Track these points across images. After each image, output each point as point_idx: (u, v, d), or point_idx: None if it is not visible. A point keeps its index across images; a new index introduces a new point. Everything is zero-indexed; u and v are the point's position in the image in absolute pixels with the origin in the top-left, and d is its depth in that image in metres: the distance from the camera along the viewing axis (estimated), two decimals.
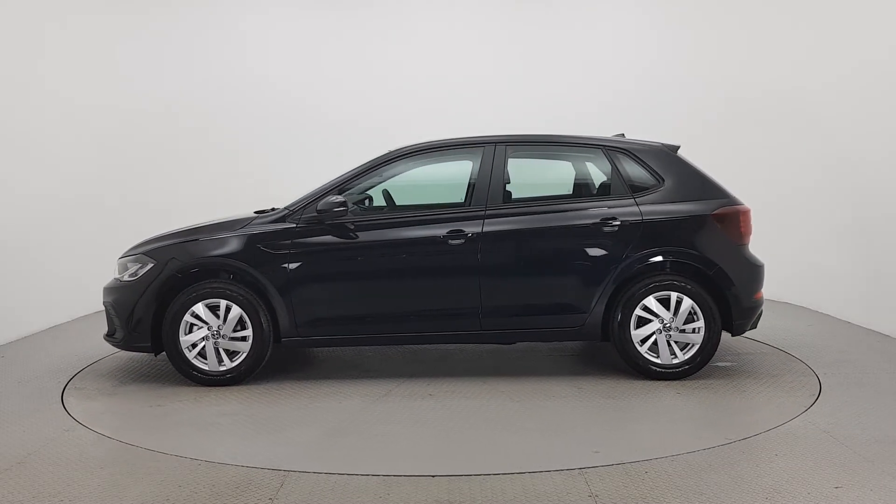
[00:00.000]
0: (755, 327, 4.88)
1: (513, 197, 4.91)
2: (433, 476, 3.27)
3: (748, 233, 4.76)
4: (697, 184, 4.77)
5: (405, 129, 6.45)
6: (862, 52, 6.13)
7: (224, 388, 4.64)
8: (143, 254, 4.78)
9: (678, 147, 4.98)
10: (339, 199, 4.62)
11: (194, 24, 7.89)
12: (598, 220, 4.65)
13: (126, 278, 4.77)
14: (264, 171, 7.86)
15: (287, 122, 8.01)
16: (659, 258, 4.65)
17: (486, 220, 4.66)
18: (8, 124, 6.05)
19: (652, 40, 8.01)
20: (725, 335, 4.92)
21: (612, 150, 4.85)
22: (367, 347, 5.62)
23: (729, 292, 4.64)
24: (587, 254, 4.67)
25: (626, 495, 3.05)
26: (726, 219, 4.68)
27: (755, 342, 5.58)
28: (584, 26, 8.19)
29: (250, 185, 7.67)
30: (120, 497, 3.09)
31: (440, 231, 4.66)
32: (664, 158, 4.83)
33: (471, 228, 4.64)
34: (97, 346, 5.77)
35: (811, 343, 5.62)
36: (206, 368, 4.65)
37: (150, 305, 4.65)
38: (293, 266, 4.61)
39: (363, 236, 4.67)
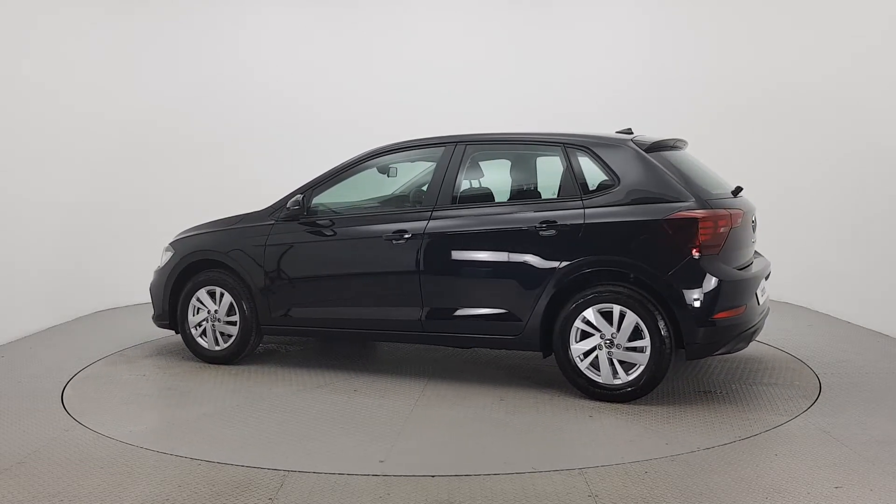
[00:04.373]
0: (731, 352, 4.32)
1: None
2: (433, 476, 3.27)
3: (716, 243, 4.14)
4: (659, 185, 4.23)
5: (405, 128, 6.43)
6: (855, 43, 6.15)
7: (221, 368, 5.20)
8: (170, 244, 5.49)
9: (672, 141, 4.64)
10: (298, 198, 4.95)
11: (198, 27, 7.87)
12: (535, 224, 4.37)
13: (161, 265, 5.47)
14: (272, 170, 7.84)
15: (292, 123, 8.01)
16: (598, 266, 4.24)
17: (430, 221, 4.63)
18: (6, 126, 6.04)
19: (654, 38, 8.01)
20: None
21: (571, 147, 4.48)
22: (361, 341, 5.81)
23: (678, 308, 4.08)
24: (523, 259, 4.38)
25: (626, 495, 3.05)
26: (680, 225, 4.11)
27: (755, 342, 5.54)
28: (587, 25, 8.20)
29: (258, 183, 7.63)
30: (120, 497, 3.09)
31: (388, 230, 4.70)
32: (626, 156, 4.35)
33: (414, 229, 4.63)
34: (97, 346, 5.79)
35: (811, 343, 5.61)
36: (206, 347, 5.25)
37: (168, 289, 5.32)
38: (267, 259, 5.01)
39: (324, 234, 4.92)
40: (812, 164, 6.85)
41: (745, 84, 7.52)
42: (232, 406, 4.33)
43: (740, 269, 4.34)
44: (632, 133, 4.73)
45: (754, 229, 4.69)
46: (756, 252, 4.93)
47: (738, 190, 4.65)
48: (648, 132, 4.84)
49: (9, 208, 6.02)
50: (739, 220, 4.32)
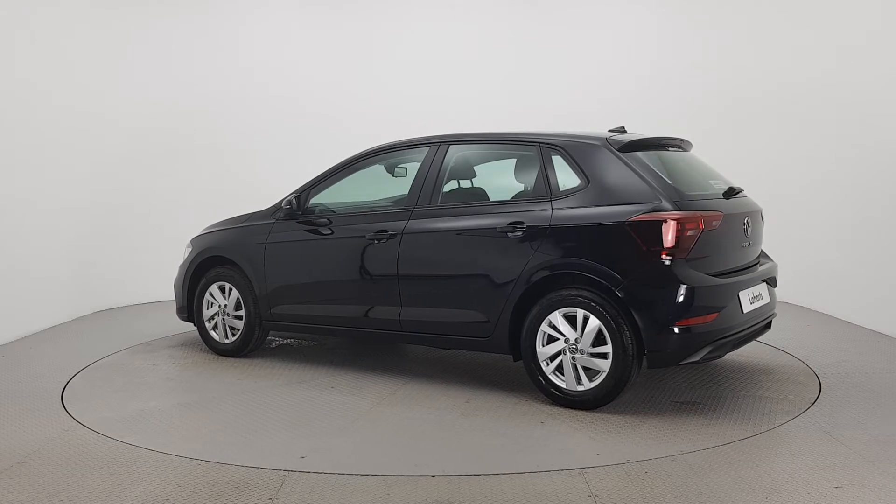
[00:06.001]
0: (702, 361, 4.06)
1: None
2: (433, 476, 3.27)
3: (685, 246, 3.89)
4: (629, 186, 4.06)
5: (405, 128, 6.44)
6: (855, 43, 6.16)
7: (227, 360, 5.40)
8: (190, 240, 5.72)
9: (659, 140, 4.49)
10: (291, 198, 5.11)
11: (199, 27, 7.87)
12: (504, 225, 4.28)
13: (182, 260, 5.68)
14: (272, 170, 7.83)
15: (292, 123, 8.01)
16: (561, 269, 4.11)
17: (409, 221, 4.64)
18: (6, 127, 6.04)
19: (655, 38, 8.01)
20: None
21: (546, 147, 4.37)
22: (364, 340, 5.85)
23: (639, 314, 3.89)
24: (492, 260, 4.32)
25: (626, 495, 3.05)
26: (644, 228, 3.92)
27: (755, 342, 5.52)
28: (588, 25, 8.19)
29: (258, 183, 7.62)
30: (120, 497, 3.09)
31: (373, 229, 4.74)
32: (598, 157, 4.21)
33: (394, 229, 4.66)
34: (97, 346, 5.80)
35: (811, 343, 5.61)
36: (217, 340, 5.46)
37: (187, 284, 5.56)
38: (266, 257, 5.16)
39: (316, 233, 5.02)
40: (812, 164, 6.85)
41: (745, 84, 7.52)
42: (209, 397, 4.48)
43: (718, 274, 4.10)
44: (625, 131, 4.60)
45: (746, 232, 4.42)
46: (763, 254, 4.82)
47: (730, 191, 4.43)
48: (648, 132, 4.81)
49: (9, 209, 6.01)
50: (715, 223, 4.07)
